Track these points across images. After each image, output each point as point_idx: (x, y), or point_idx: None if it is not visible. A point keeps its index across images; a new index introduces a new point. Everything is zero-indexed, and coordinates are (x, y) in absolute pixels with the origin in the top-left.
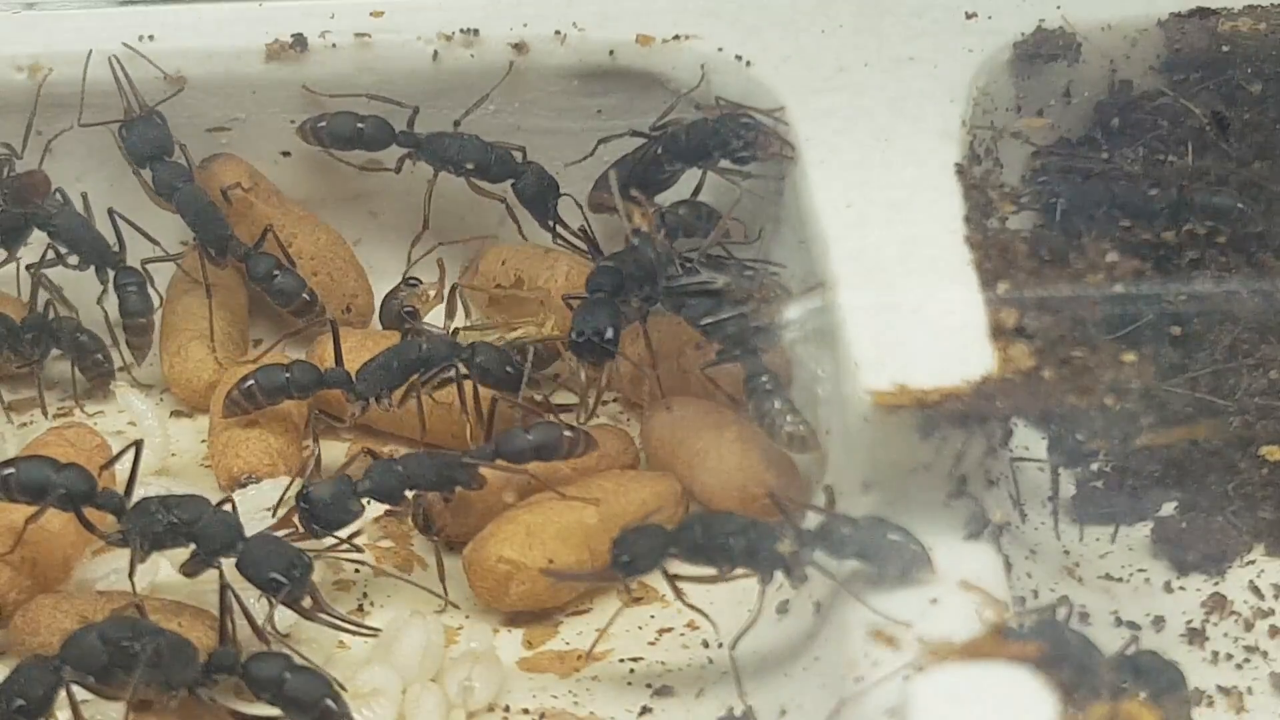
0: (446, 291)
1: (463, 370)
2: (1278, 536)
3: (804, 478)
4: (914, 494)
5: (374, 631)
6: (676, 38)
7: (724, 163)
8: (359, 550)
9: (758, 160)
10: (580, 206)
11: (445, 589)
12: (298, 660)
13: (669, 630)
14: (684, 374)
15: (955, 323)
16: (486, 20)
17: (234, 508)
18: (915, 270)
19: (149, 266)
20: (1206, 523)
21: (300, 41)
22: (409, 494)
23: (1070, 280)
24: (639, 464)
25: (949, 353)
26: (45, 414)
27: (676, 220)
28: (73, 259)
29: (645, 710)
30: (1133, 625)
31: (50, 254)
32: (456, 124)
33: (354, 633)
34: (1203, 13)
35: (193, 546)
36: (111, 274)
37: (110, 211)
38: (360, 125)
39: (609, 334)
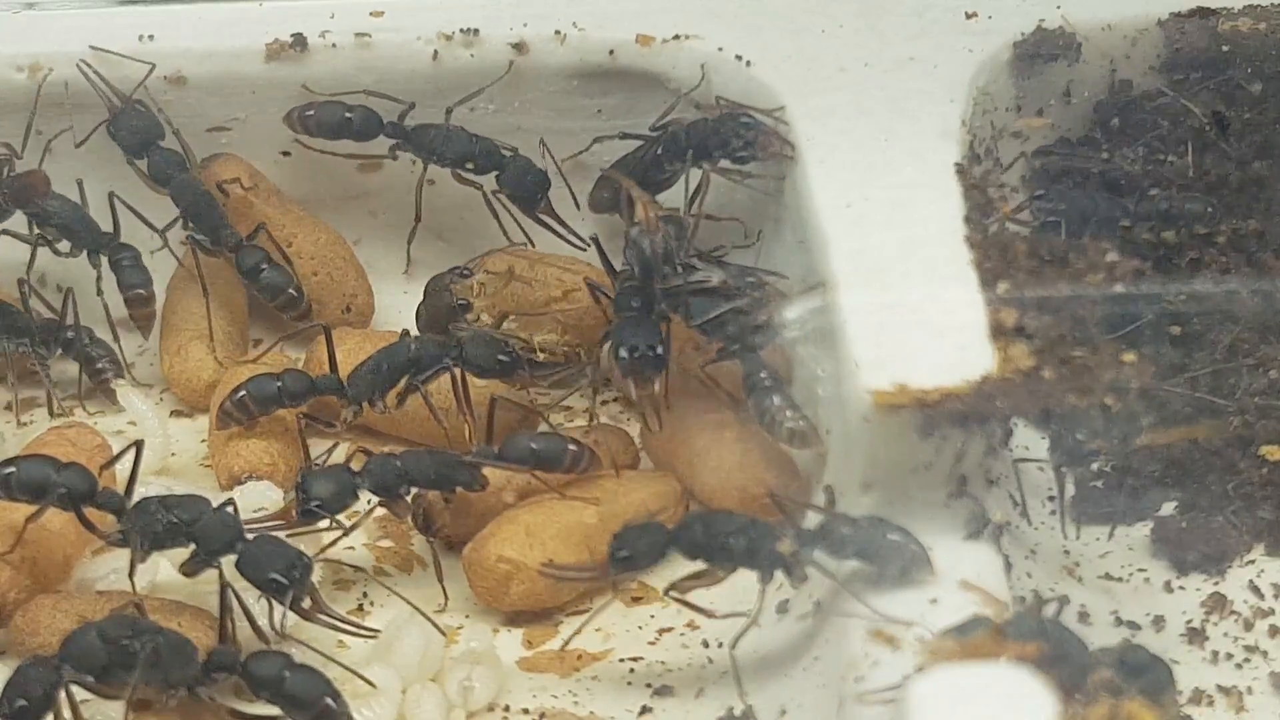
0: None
1: (457, 368)
2: (1278, 536)
3: (804, 477)
4: (914, 494)
5: (373, 632)
6: (676, 38)
7: (724, 163)
8: (345, 531)
9: (758, 160)
10: (579, 207)
11: (444, 589)
12: (299, 658)
13: (669, 630)
14: (684, 373)
15: (955, 323)
16: (486, 20)
17: (236, 509)
18: (915, 270)
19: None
20: (1206, 523)
21: (300, 41)
22: (411, 494)
23: (1070, 280)
24: (639, 464)
25: (949, 353)
26: (52, 413)
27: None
28: (63, 245)
29: (645, 710)
30: (1133, 625)
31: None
32: (448, 113)
33: (353, 633)
34: (1203, 13)
35: (193, 546)
36: (105, 258)
37: (110, 195)
38: (348, 115)
39: (659, 348)
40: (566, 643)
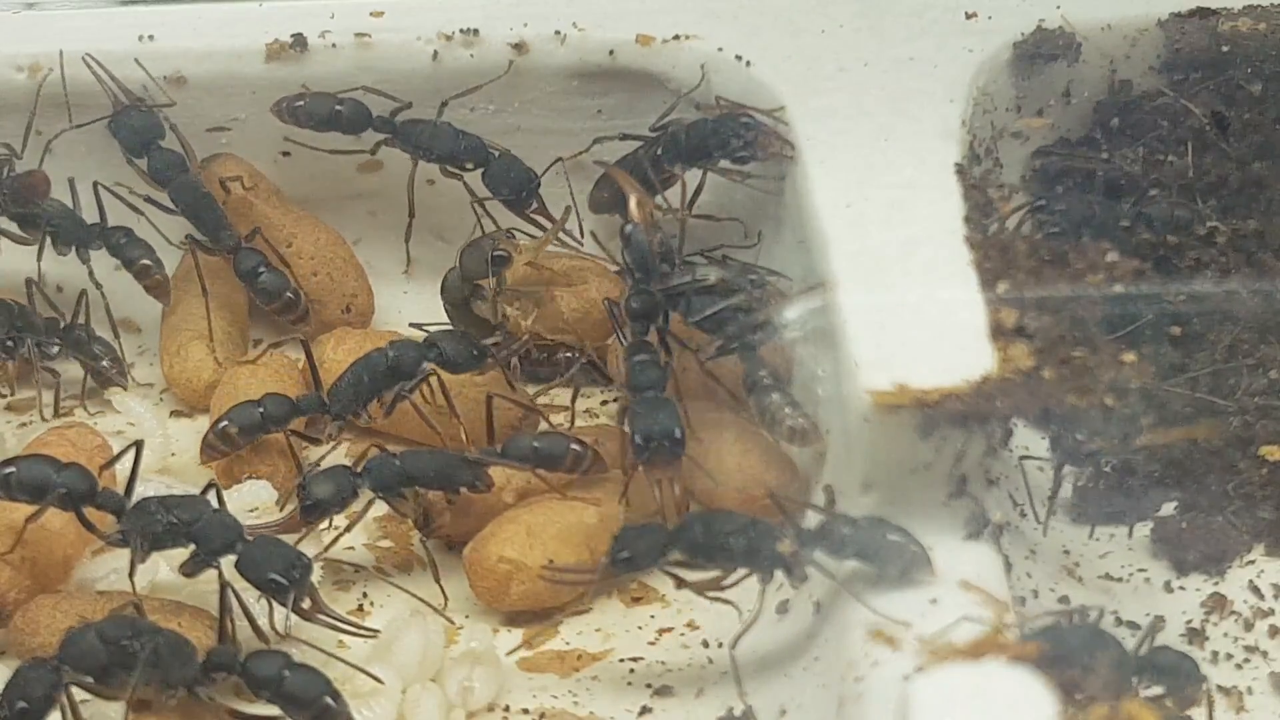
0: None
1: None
2: (1278, 536)
3: (804, 477)
4: (914, 494)
5: (373, 633)
6: (676, 38)
7: (724, 163)
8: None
9: (758, 160)
10: (578, 208)
11: (442, 588)
12: (297, 658)
13: (669, 630)
14: (684, 373)
15: (955, 323)
16: (486, 20)
17: (219, 493)
18: (915, 270)
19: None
20: (1206, 523)
21: (300, 41)
22: (413, 493)
23: (1070, 280)
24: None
25: (949, 353)
26: (56, 413)
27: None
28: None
29: (645, 710)
30: (1133, 625)
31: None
32: (441, 107)
33: (353, 633)
34: (1203, 13)
35: (192, 546)
36: (101, 247)
37: (95, 185)
38: (338, 107)
39: (677, 434)
40: (535, 634)
